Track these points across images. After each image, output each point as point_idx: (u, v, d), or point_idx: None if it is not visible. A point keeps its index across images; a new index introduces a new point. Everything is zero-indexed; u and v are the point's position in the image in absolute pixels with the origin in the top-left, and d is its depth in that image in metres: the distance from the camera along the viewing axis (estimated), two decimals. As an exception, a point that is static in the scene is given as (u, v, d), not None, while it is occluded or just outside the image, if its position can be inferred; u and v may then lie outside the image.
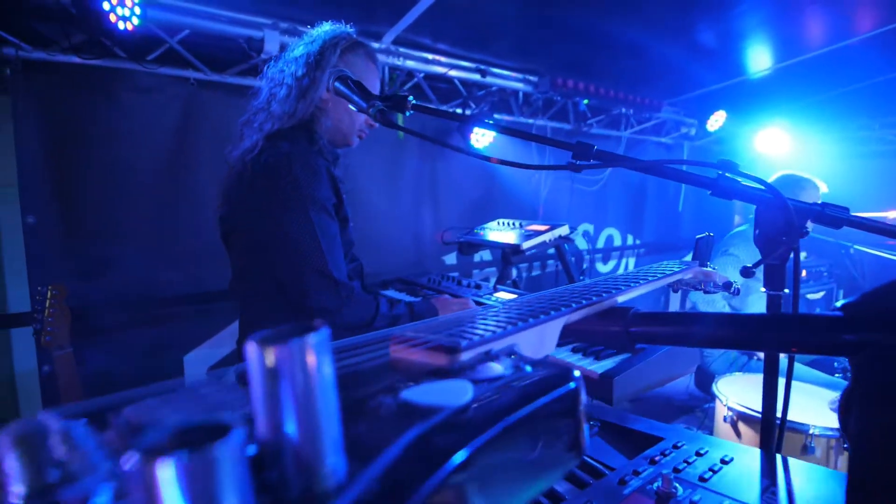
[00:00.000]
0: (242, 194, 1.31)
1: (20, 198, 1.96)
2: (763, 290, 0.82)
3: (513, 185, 3.56)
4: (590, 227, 4.17)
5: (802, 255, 3.07)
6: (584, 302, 0.53)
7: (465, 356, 0.36)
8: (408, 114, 1.00)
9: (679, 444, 0.82)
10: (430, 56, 2.84)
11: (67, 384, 1.74)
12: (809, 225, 0.77)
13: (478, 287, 2.03)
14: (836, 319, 0.44)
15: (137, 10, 1.69)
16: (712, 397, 2.26)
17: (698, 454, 0.79)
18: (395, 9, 2.40)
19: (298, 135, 1.35)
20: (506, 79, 3.13)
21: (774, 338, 0.48)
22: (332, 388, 0.22)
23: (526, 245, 1.69)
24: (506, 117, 3.38)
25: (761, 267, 0.81)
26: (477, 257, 3.51)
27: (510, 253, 1.70)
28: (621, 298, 0.67)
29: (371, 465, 0.22)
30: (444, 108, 3.13)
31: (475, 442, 0.24)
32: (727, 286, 1.01)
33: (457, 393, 0.29)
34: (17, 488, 0.21)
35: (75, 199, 2.09)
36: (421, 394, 0.29)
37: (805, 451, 1.84)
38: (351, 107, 1.04)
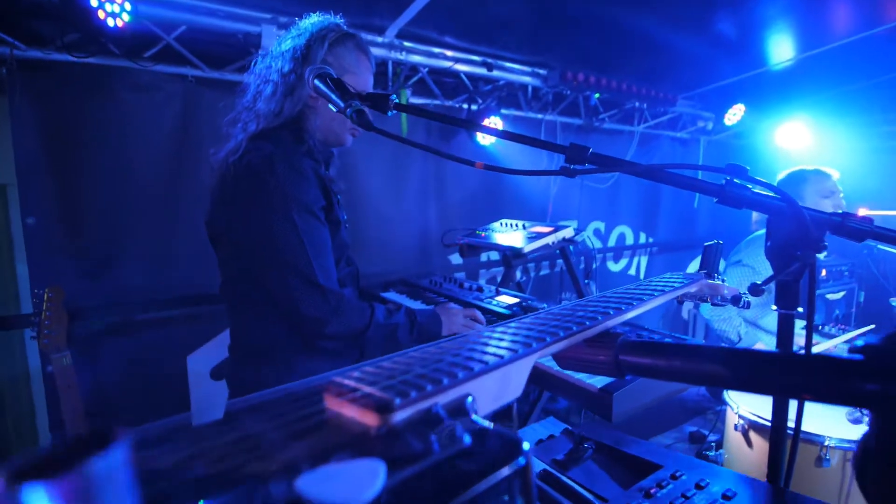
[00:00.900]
0: (226, 199, 1.26)
1: (20, 198, 1.95)
2: (774, 308, 0.74)
3: (521, 182, 3.47)
4: (601, 226, 4.06)
5: (822, 254, 2.94)
6: (561, 333, 0.47)
7: (399, 416, 0.30)
8: (390, 114, 0.93)
9: (678, 475, 0.76)
10: (435, 49, 2.77)
11: (65, 387, 1.73)
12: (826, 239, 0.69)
13: (479, 290, 1.97)
14: (857, 364, 0.37)
15: (127, 6, 1.65)
16: (723, 403, 2.18)
17: (698, 487, 0.72)
18: (398, 0, 2.33)
19: (284, 134, 1.28)
20: (513, 72, 3.04)
21: (782, 382, 0.42)
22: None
23: (528, 248, 1.62)
24: (514, 112, 3.30)
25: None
26: (484, 256, 3.43)
27: (511, 256, 1.63)
28: (618, 320, 0.60)
29: None
30: (449, 103, 3.07)
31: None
32: (736, 300, 0.93)
33: (363, 482, 0.23)
34: None
35: (75, 199, 2.07)
36: (317, 483, 0.23)
37: (819, 464, 1.75)
38: (330, 106, 0.98)
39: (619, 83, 3.29)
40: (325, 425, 0.31)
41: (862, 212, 4.11)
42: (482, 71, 2.88)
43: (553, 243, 1.69)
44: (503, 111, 3.05)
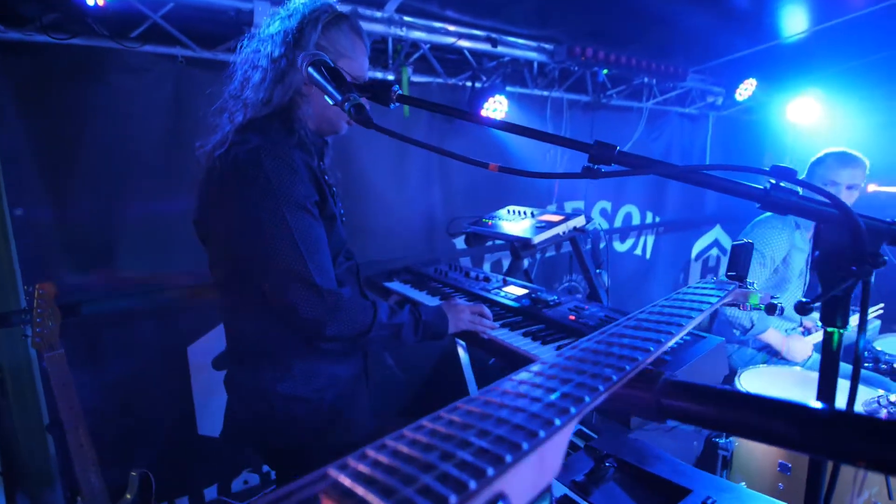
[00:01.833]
0: (213, 196, 1.19)
1: (5, 189, 1.87)
2: (818, 324, 0.68)
3: (528, 162, 3.38)
4: (607, 205, 3.98)
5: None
6: (601, 388, 0.40)
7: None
8: (392, 106, 0.85)
9: (709, 502, 0.71)
10: (436, 24, 2.63)
11: (60, 385, 1.69)
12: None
13: (486, 280, 1.91)
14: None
15: (108, -16, 1.54)
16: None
17: (734, 517, 0.68)
18: (398, -27, 2.20)
19: (273, 125, 1.19)
20: (519, 48, 2.91)
21: (845, 447, 0.36)
22: None
23: (538, 239, 1.55)
24: (519, 90, 3.17)
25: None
26: (449, 238, 3.35)
27: (520, 248, 1.56)
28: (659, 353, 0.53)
29: None
30: (452, 81, 2.94)
31: None
32: (771, 308, 0.86)
33: None
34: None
35: (64, 187, 1.99)
36: None
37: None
38: (326, 98, 0.89)
39: (628, 58, 3.16)
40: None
41: (871, 188, 4.01)
42: (486, 47, 2.74)
43: (563, 233, 1.62)
44: (508, 88, 2.93)
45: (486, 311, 1.50)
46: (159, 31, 1.99)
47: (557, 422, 0.34)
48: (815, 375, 2.15)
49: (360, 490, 0.27)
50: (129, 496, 1.88)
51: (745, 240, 0.94)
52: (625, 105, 3.76)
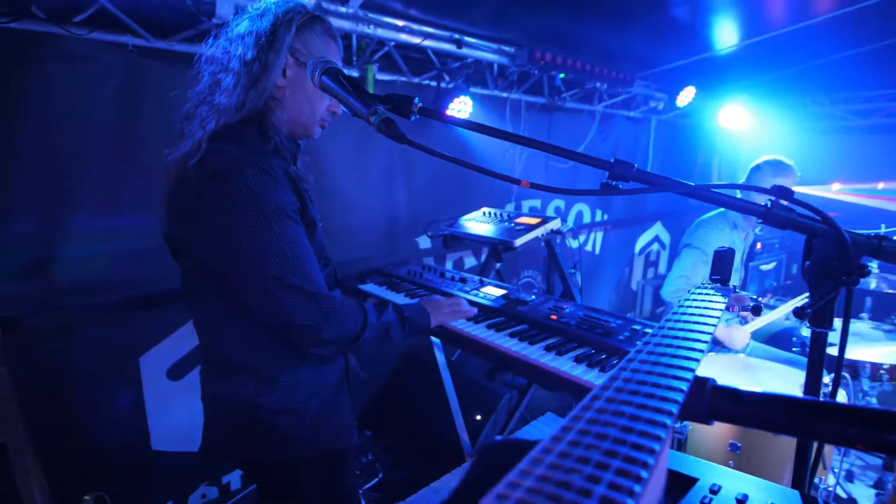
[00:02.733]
0: (188, 208, 1.12)
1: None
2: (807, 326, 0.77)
3: (489, 159, 3.44)
4: (561, 204, 4.14)
5: (757, 228, 3.16)
6: (663, 435, 0.41)
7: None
8: (413, 118, 0.85)
9: (716, 489, 0.78)
10: (401, 23, 2.62)
11: (3, 404, 1.53)
12: (873, 264, 0.71)
13: (462, 281, 1.93)
14: None
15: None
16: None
17: (740, 502, 0.75)
18: (365, -31, 2.16)
19: (248, 132, 1.16)
20: (482, 49, 2.95)
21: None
22: None
23: (519, 242, 1.60)
24: (481, 91, 3.22)
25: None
26: (427, 241, 3.39)
27: (502, 250, 1.60)
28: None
29: None
30: (416, 80, 2.93)
31: None
32: (757, 310, 0.96)
33: None
34: None
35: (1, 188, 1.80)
36: None
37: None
38: (342, 108, 0.87)
39: (583, 63, 3.30)
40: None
41: (796, 190, 4.48)
42: (451, 47, 2.76)
43: (542, 236, 1.68)
44: (472, 89, 2.96)
45: (465, 303, 1.57)
46: (108, 17, 1.83)
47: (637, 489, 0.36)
48: (755, 361, 2.39)
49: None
50: (85, 521, 1.74)
51: (727, 247, 1.02)
52: (577, 108, 3.92)
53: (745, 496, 0.75)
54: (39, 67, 1.80)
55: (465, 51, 2.82)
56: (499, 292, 1.78)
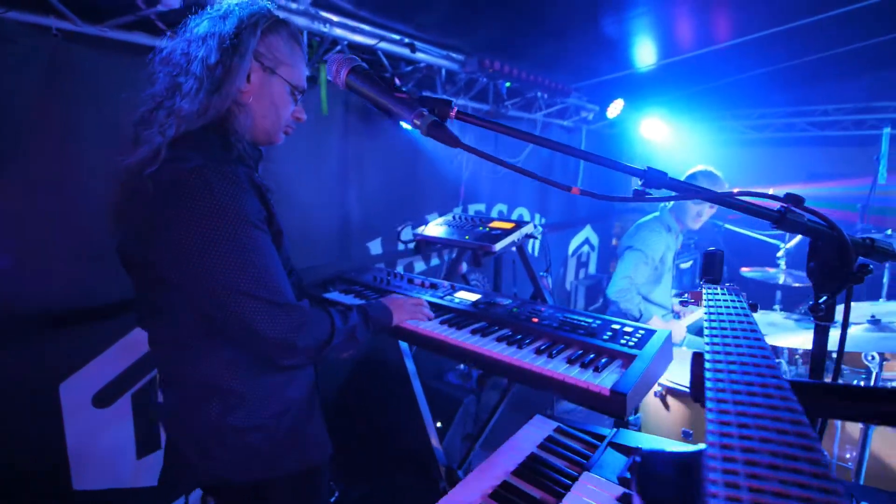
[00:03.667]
0: (145, 219, 1.03)
1: None
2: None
3: (438, 166, 3.46)
4: (504, 208, 4.25)
5: (684, 230, 3.46)
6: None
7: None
8: (447, 122, 0.83)
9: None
10: (352, 24, 2.54)
11: None
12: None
13: (433, 287, 1.91)
14: None
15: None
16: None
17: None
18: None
19: (210, 139, 1.10)
20: (433, 55, 2.95)
21: None
22: None
23: (498, 247, 1.62)
24: (430, 95, 3.21)
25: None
26: (401, 245, 3.35)
27: (482, 255, 1.61)
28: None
29: None
30: (367, 82, 2.86)
31: None
32: (754, 307, 1.03)
33: None
34: None
35: None
36: None
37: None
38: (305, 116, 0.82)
39: (527, 73, 3.42)
40: None
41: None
42: (405, 51, 2.73)
43: (517, 240, 1.71)
44: (424, 93, 2.95)
45: (424, 302, 1.60)
46: (27, -5, 1.60)
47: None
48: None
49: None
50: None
51: (715, 248, 1.10)
52: (519, 116, 4.05)
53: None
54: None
55: (418, 55, 2.80)
56: (473, 297, 1.78)
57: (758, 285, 3.24)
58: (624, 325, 1.50)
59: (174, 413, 1.23)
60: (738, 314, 0.72)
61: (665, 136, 5.12)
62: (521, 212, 4.50)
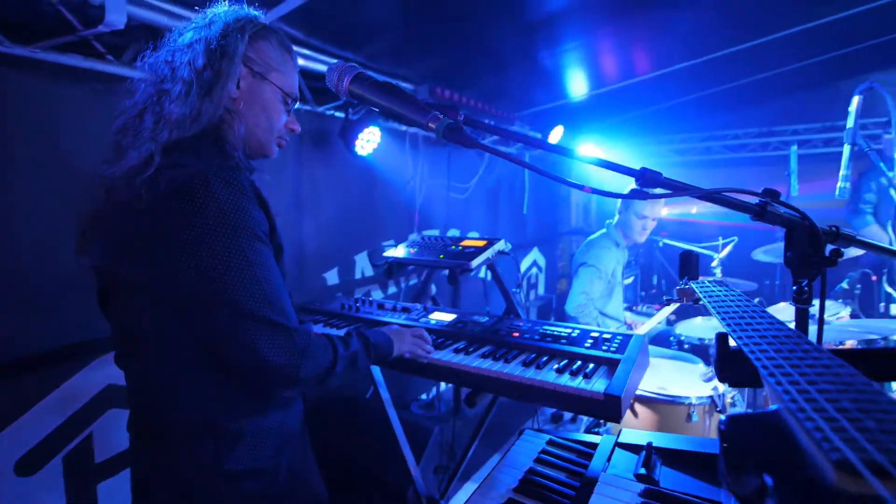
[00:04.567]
0: (135, 232, 0.95)
1: None
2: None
3: (391, 193, 3.46)
4: (457, 232, 4.29)
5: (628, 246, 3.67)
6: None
7: None
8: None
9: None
10: (304, 51, 2.54)
11: None
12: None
13: (406, 310, 1.88)
14: None
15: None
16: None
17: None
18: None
19: (204, 146, 1.03)
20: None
21: None
22: None
23: (475, 263, 1.63)
24: (382, 123, 3.23)
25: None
26: (358, 273, 3.28)
27: (458, 273, 1.60)
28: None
29: None
30: (320, 109, 2.84)
31: None
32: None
33: None
34: None
35: None
36: None
37: (689, 420, 2.20)
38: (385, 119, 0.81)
39: (475, 101, 3.54)
40: None
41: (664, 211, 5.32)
42: (358, 78, 2.74)
43: (491, 257, 1.73)
44: (380, 121, 2.97)
45: (426, 334, 1.53)
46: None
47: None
48: (651, 359, 2.72)
49: None
50: None
51: (689, 250, 1.17)
52: (467, 142, 4.17)
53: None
54: None
55: (371, 83, 2.82)
56: (450, 317, 1.77)
57: (699, 293, 3.46)
58: (602, 332, 1.55)
59: (151, 458, 1.09)
60: (738, 299, 0.76)
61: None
62: (474, 235, 4.57)
